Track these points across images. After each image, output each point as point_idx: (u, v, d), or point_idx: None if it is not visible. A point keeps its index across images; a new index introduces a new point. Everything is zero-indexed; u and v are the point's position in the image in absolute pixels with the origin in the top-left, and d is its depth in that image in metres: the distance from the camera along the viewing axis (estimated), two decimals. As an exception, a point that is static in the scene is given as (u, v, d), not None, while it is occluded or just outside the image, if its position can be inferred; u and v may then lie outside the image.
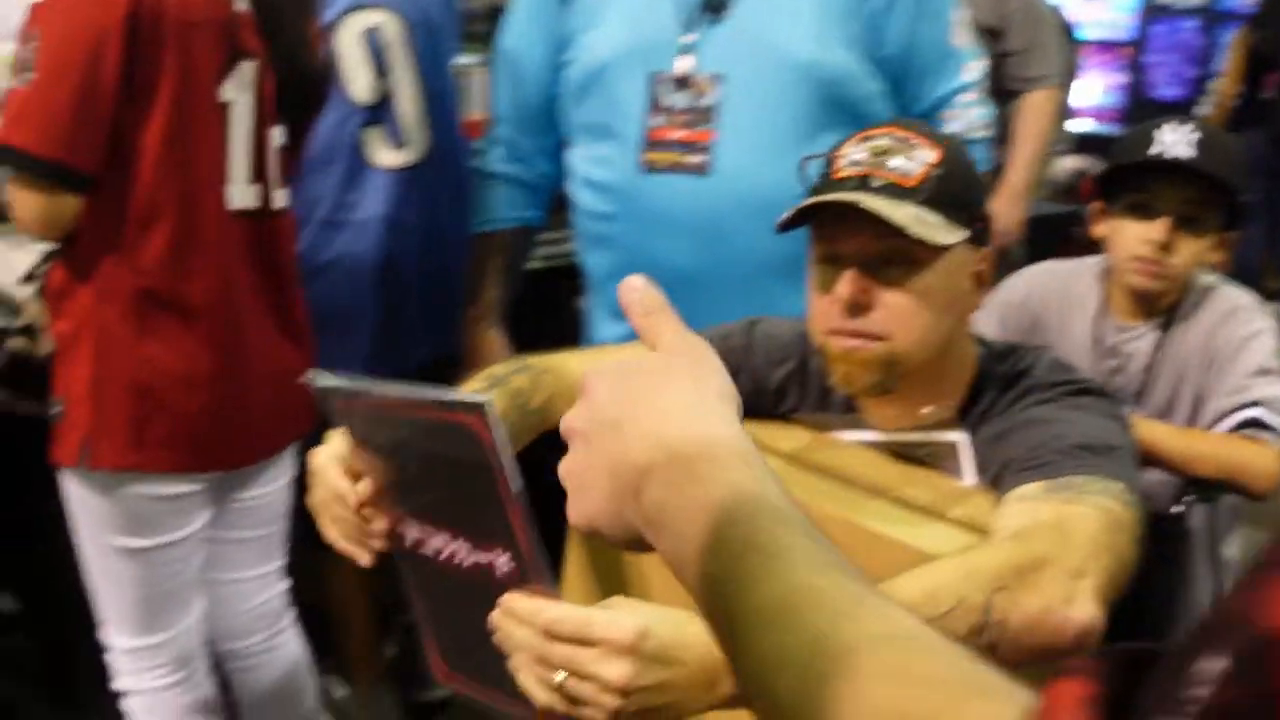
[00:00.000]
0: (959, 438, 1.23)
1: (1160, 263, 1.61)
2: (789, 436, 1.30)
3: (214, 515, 1.79)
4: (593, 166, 1.81)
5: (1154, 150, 1.58)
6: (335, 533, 1.05)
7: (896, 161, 1.18)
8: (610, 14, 1.77)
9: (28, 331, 1.69)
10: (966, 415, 1.24)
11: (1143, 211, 1.62)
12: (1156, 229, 1.60)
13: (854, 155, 1.21)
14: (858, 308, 1.19)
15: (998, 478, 1.15)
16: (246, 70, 1.63)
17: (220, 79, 1.60)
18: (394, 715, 2.47)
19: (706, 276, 1.67)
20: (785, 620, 0.51)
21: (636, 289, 0.67)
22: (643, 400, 0.61)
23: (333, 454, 1.05)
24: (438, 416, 0.84)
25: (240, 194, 1.65)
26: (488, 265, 2.00)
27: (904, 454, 1.25)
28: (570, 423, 0.64)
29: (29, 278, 1.68)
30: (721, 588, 0.54)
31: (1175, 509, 1.59)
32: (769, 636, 0.51)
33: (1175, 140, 1.57)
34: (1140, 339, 1.69)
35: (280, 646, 1.95)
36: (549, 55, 1.85)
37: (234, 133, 1.63)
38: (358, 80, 2.10)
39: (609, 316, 1.84)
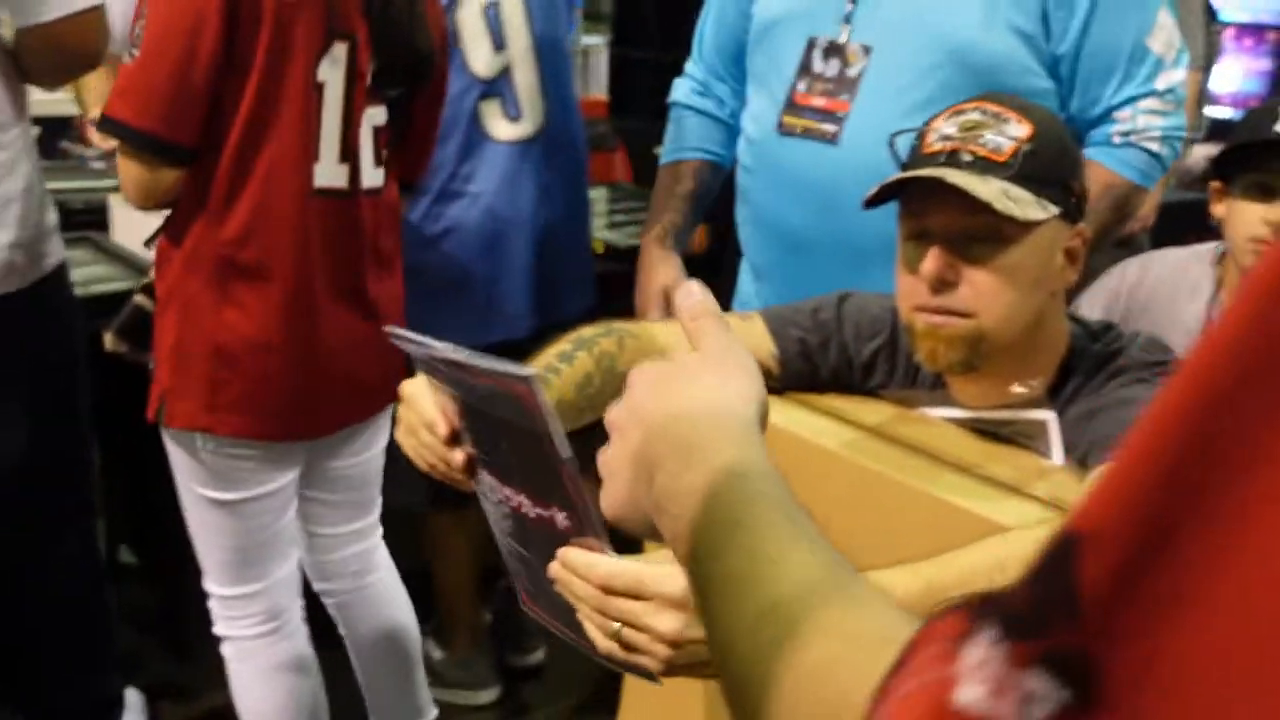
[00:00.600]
0: (1048, 416, 1.21)
1: None
2: (875, 411, 1.30)
3: (304, 478, 1.86)
4: (748, 120, 1.85)
5: (1278, 128, 1.53)
6: (420, 459, 1.09)
7: (987, 136, 1.17)
8: None
9: (147, 290, 1.77)
10: (1057, 394, 1.22)
11: (1263, 192, 1.57)
12: (1277, 210, 1.55)
13: (944, 130, 1.20)
14: (943, 284, 1.18)
15: (1086, 456, 1.13)
16: (340, 51, 1.66)
17: (318, 59, 1.64)
18: (490, 679, 2.52)
19: (822, 241, 1.69)
20: (744, 589, 0.52)
21: (693, 294, 0.70)
22: (667, 397, 0.64)
23: (424, 383, 1.09)
24: (494, 383, 0.88)
25: (326, 173, 1.69)
26: (668, 192, 2.04)
27: (990, 432, 1.24)
28: (611, 416, 0.68)
29: (150, 241, 1.76)
30: (696, 561, 0.57)
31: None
32: (729, 604, 0.53)
33: None
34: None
35: (371, 587, 2.01)
36: (746, 6, 1.88)
37: (325, 112, 1.67)
38: (477, 54, 2.14)
39: (746, 266, 1.89)
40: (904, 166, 1.22)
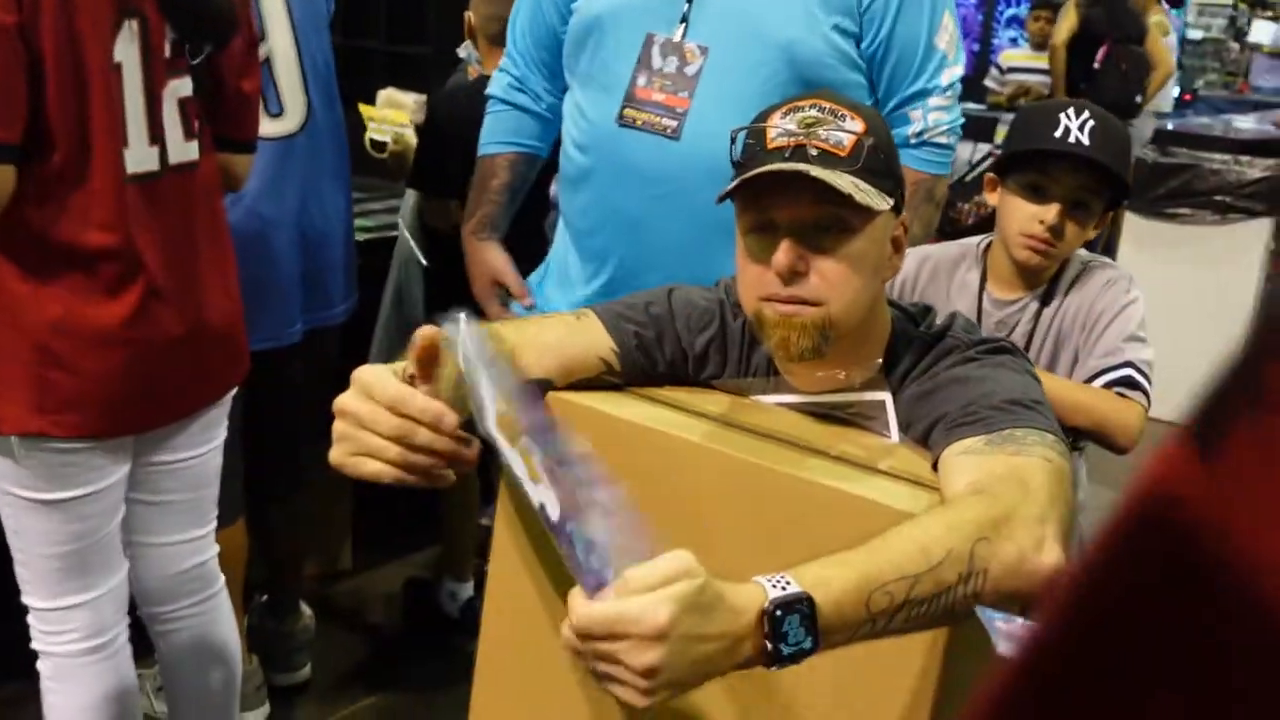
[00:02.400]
0: (884, 396, 1.30)
1: (1050, 242, 1.70)
2: (714, 401, 1.34)
3: (134, 477, 1.74)
4: (579, 112, 1.87)
5: (1058, 135, 1.65)
6: (397, 456, 1.05)
7: (827, 131, 1.23)
8: None
9: None
10: (888, 375, 1.31)
11: (1036, 192, 1.70)
12: (1051, 212, 1.68)
13: (785, 126, 1.25)
14: (794, 275, 1.23)
15: (929, 433, 1.22)
16: (132, 28, 1.58)
17: (111, 41, 1.56)
18: (256, 699, 2.42)
19: (660, 228, 1.75)
20: None
21: None
22: None
23: (386, 371, 1.08)
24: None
25: (137, 157, 1.61)
26: (484, 185, 2.09)
27: (828, 415, 1.31)
28: None
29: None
30: None
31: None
32: None
33: (1075, 127, 1.65)
34: (1021, 310, 1.79)
35: (207, 613, 1.91)
36: (564, 2, 1.91)
37: (127, 94, 1.59)
38: None
39: (572, 249, 1.93)
40: (745, 161, 1.26)
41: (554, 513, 0.93)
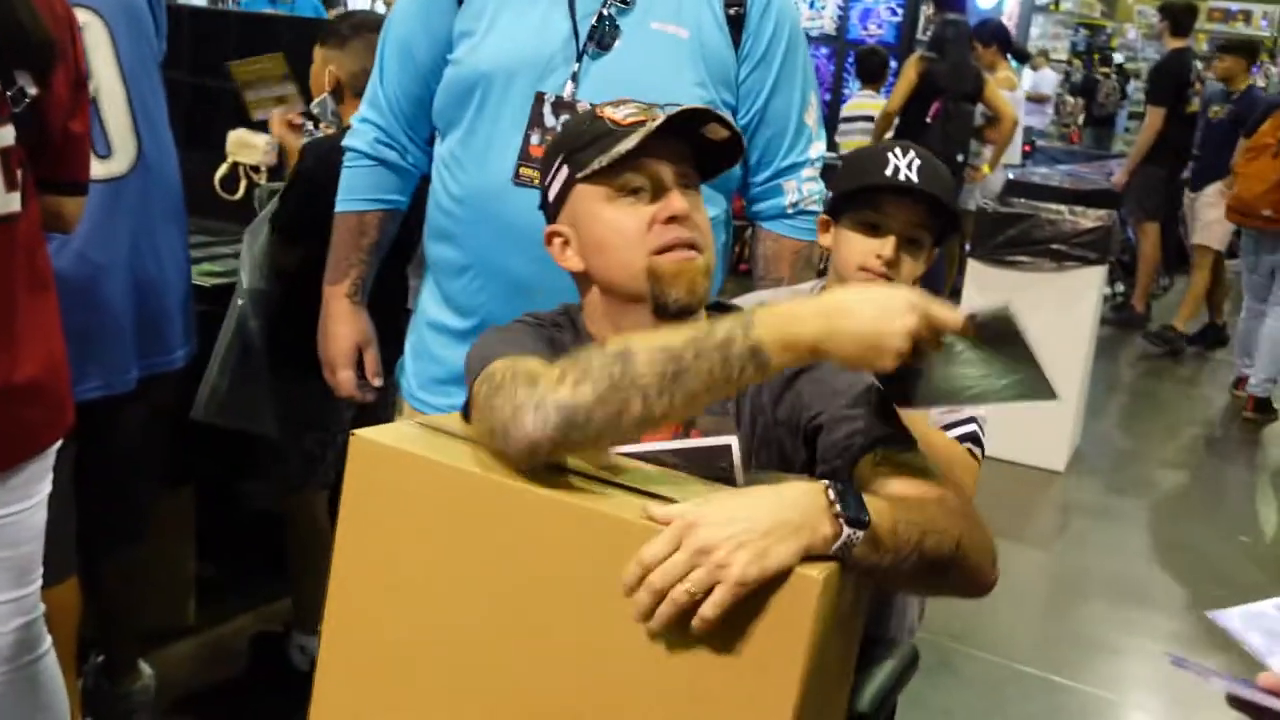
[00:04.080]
0: (731, 440, 1.30)
1: (888, 276, 1.73)
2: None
3: None
4: (457, 166, 1.85)
5: (889, 173, 1.70)
6: None
7: (657, 111, 1.36)
8: (501, 24, 1.82)
9: None
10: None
11: (872, 228, 1.74)
12: (887, 246, 1.71)
13: (627, 110, 1.37)
14: (687, 218, 1.34)
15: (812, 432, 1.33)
16: None
17: None
18: None
19: (547, 286, 1.70)
20: None
21: None
22: None
23: None
24: None
25: None
26: (353, 244, 2.04)
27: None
28: None
29: None
30: None
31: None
32: None
33: (903, 164, 1.70)
34: None
35: (33, 677, 1.81)
36: (438, 51, 1.88)
37: None
38: None
39: (442, 303, 1.93)
40: (600, 139, 1.35)
41: None
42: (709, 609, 1.06)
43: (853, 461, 1.26)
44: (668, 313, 1.34)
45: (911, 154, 1.71)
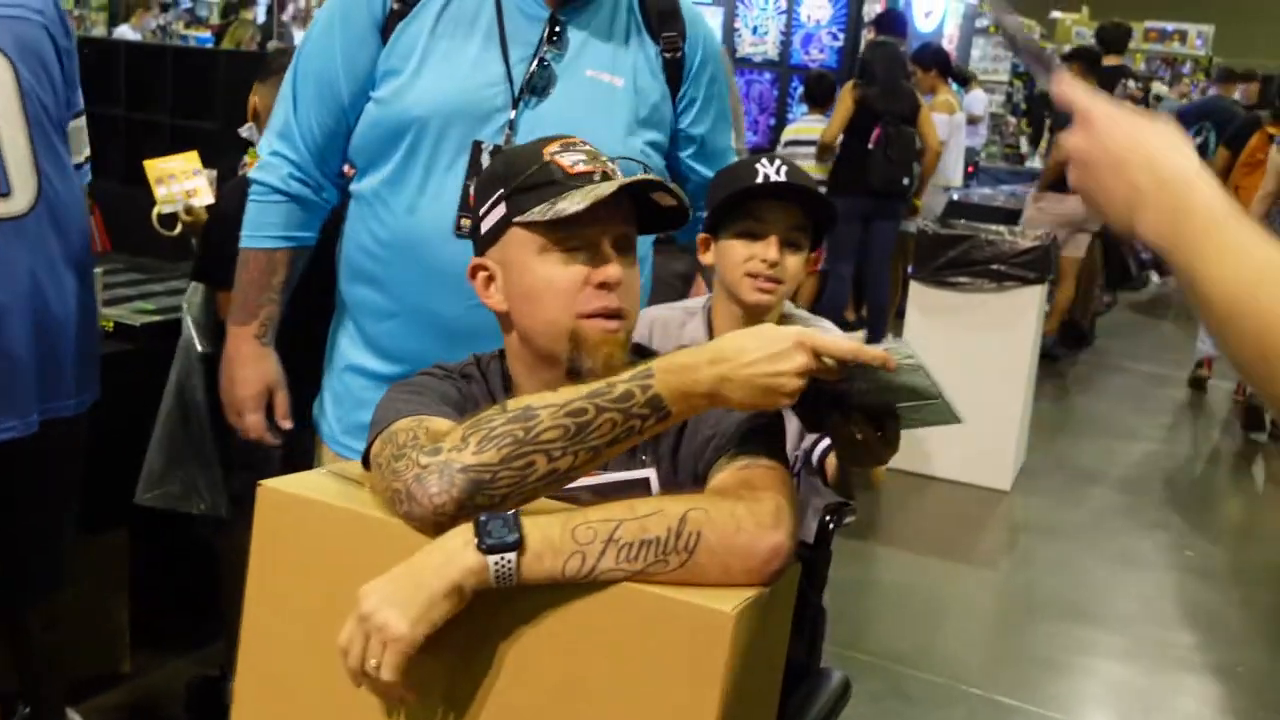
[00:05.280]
0: (649, 474, 1.30)
1: (775, 278, 1.78)
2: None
3: None
4: (384, 209, 1.81)
5: (760, 179, 1.76)
6: None
7: (608, 163, 1.35)
8: (431, 66, 1.79)
9: None
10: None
11: (751, 235, 1.79)
12: (770, 248, 1.77)
13: (577, 157, 1.34)
14: (617, 284, 1.32)
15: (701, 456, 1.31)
16: None
17: None
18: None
19: (481, 333, 1.65)
20: (1241, 257, 0.88)
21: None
22: (1138, 138, 0.97)
23: None
24: None
25: None
26: (263, 283, 1.96)
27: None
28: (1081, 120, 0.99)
29: None
30: (1181, 248, 0.91)
31: (827, 531, 1.73)
32: (1229, 270, 0.87)
33: (770, 171, 1.77)
34: None
35: None
36: (359, 86, 1.83)
37: None
38: None
39: (364, 347, 1.90)
40: (542, 186, 1.31)
41: None
42: (384, 672, 1.09)
43: (707, 467, 1.29)
44: (579, 377, 1.31)
45: (778, 162, 1.78)
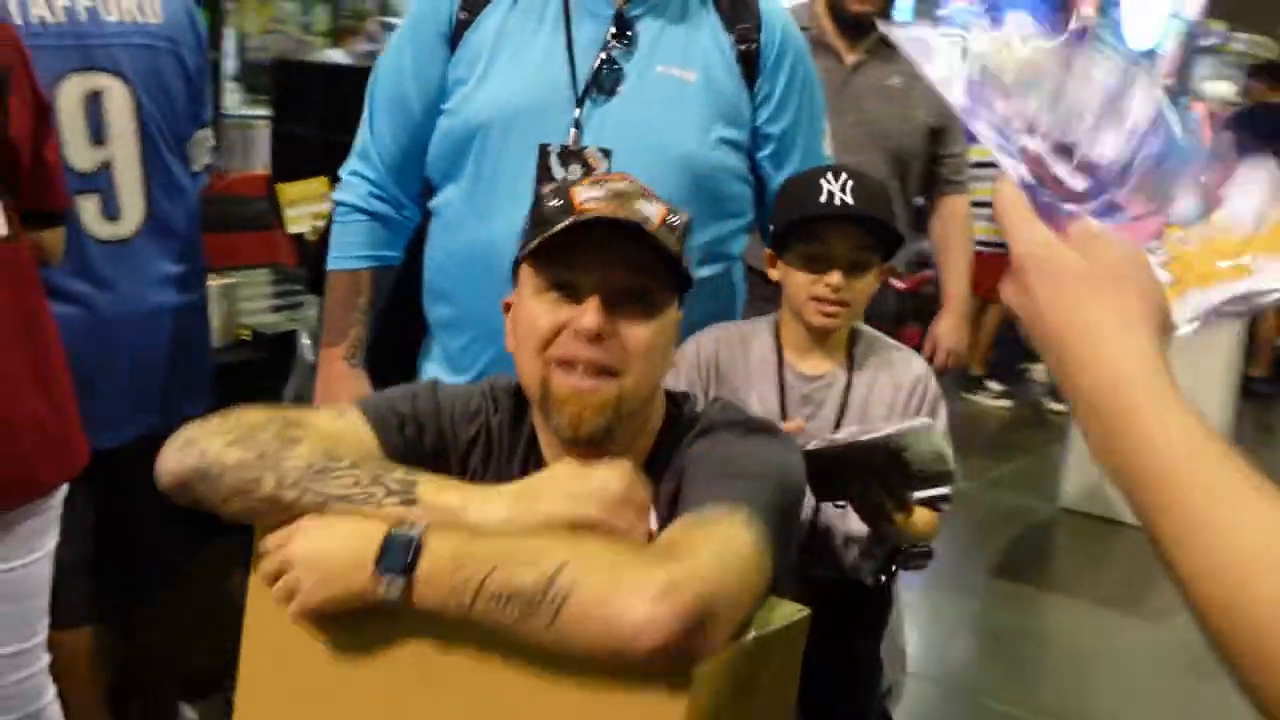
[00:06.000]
0: (653, 525, 1.22)
1: (841, 302, 1.70)
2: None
3: None
4: (459, 223, 1.80)
5: (824, 200, 1.67)
6: None
7: (639, 204, 1.21)
8: (496, 70, 1.77)
9: None
10: (651, 465, 1.25)
11: (812, 262, 1.71)
12: (835, 277, 1.69)
13: (592, 193, 1.21)
14: (599, 339, 1.18)
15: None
16: None
17: None
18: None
19: None
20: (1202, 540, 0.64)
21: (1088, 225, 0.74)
22: (1071, 315, 0.72)
23: None
24: None
25: None
26: (349, 303, 1.95)
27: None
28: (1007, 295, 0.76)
29: None
30: (1145, 512, 0.68)
31: (883, 577, 1.60)
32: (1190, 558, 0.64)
33: (835, 189, 1.67)
34: (830, 386, 1.75)
35: None
36: (432, 102, 1.83)
37: None
38: (73, 147, 2.00)
39: (444, 364, 1.87)
40: (548, 220, 1.21)
41: None
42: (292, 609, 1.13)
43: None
44: (561, 438, 1.23)
45: (844, 176, 1.68)
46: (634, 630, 0.93)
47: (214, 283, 2.66)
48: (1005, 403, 6.12)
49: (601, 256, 1.18)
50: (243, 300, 2.94)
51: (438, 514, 1.09)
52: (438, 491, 1.13)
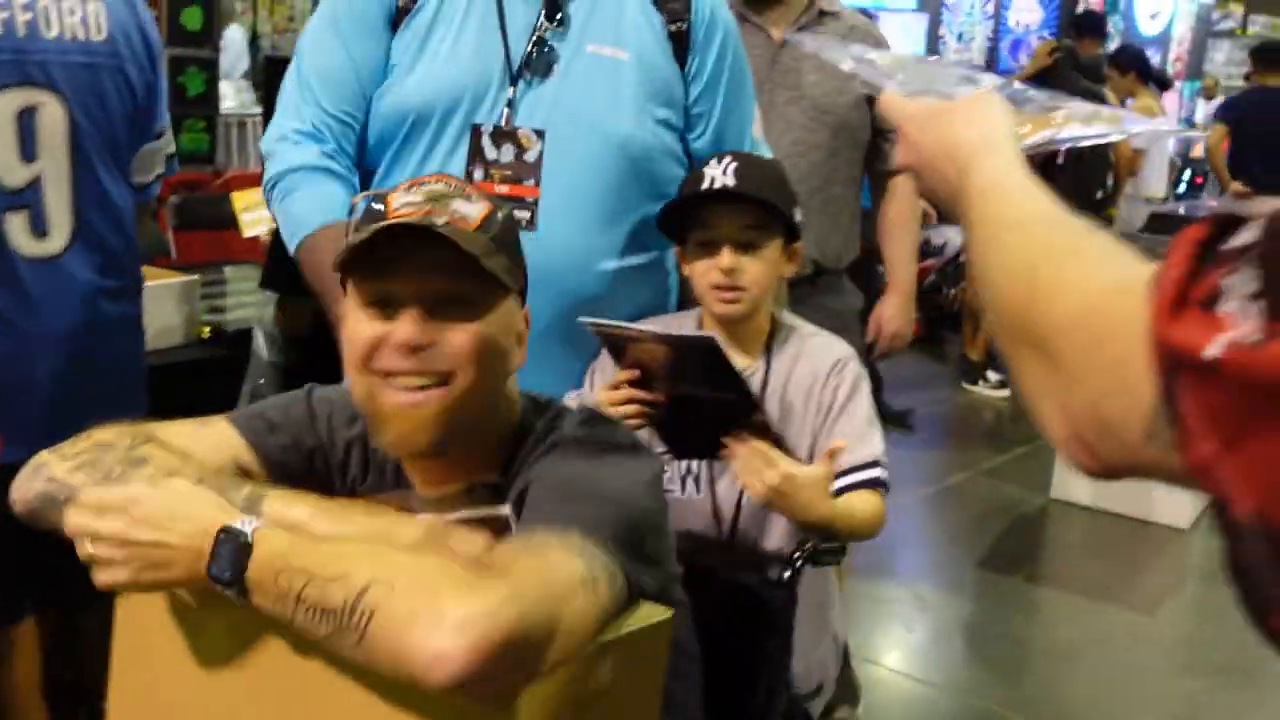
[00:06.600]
0: (506, 510, 1.21)
1: (735, 286, 1.69)
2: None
3: None
4: None
5: (705, 185, 1.69)
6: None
7: (456, 204, 1.18)
8: (429, 53, 1.77)
9: None
10: (508, 472, 1.24)
11: (707, 247, 1.71)
12: (723, 258, 1.69)
13: (407, 199, 1.19)
14: (417, 350, 1.16)
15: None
16: None
17: None
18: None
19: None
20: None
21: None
22: (942, 132, 0.93)
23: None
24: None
25: None
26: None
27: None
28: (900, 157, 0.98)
29: None
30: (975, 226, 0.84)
31: (785, 574, 1.59)
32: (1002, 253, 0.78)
33: (718, 173, 1.68)
34: (750, 378, 1.73)
35: None
36: (375, 78, 1.79)
37: None
38: (3, 163, 1.97)
39: None
40: (358, 227, 1.19)
41: None
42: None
43: None
44: (392, 454, 1.23)
45: (728, 159, 1.69)
46: (425, 664, 0.89)
47: (173, 279, 2.67)
48: (1004, 392, 6.07)
49: (418, 263, 1.16)
50: (214, 298, 2.96)
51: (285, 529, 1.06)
52: (286, 507, 1.11)
